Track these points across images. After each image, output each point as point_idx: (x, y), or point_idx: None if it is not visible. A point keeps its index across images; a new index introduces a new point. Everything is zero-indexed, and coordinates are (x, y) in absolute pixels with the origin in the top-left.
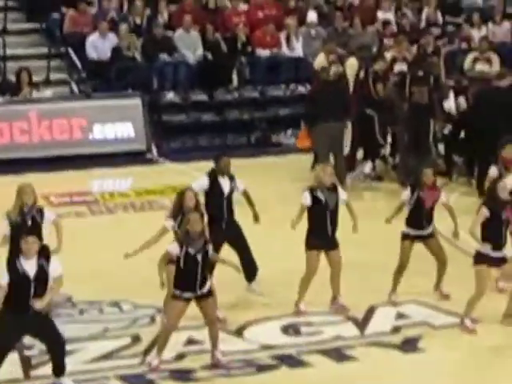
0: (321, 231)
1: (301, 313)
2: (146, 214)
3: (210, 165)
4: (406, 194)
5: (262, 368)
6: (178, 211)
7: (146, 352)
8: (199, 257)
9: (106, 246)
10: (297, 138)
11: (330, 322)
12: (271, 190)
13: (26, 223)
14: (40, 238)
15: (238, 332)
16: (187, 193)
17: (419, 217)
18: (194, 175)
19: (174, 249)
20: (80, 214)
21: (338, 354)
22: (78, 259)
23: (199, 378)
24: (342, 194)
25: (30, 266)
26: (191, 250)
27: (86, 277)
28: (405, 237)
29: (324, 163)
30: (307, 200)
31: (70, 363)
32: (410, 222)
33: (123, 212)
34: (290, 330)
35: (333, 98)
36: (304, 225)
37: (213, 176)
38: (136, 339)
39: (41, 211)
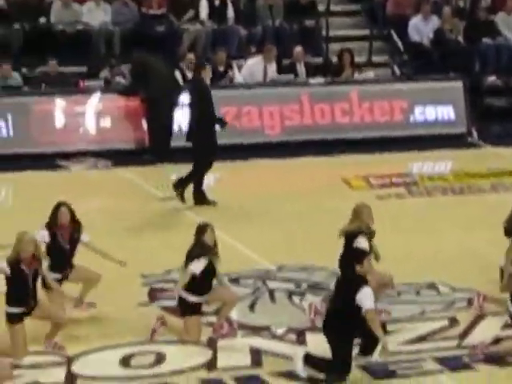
0: None
1: None
2: (464, 197)
3: None
4: None
5: None
6: None
7: (464, 335)
8: None
9: (422, 227)
10: None
11: None
12: None
13: None
14: None
15: None
16: None
17: None
18: None
19: None
20: (399, 196)
21: None
22: (394, 241)
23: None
24: None
25: None
26: None
27: (403, 258)
28: None
29: None
30: None
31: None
32: None
33: (442, 195)
34: None
35: None
36: None
37: None
38: (453, 322)
39: None
